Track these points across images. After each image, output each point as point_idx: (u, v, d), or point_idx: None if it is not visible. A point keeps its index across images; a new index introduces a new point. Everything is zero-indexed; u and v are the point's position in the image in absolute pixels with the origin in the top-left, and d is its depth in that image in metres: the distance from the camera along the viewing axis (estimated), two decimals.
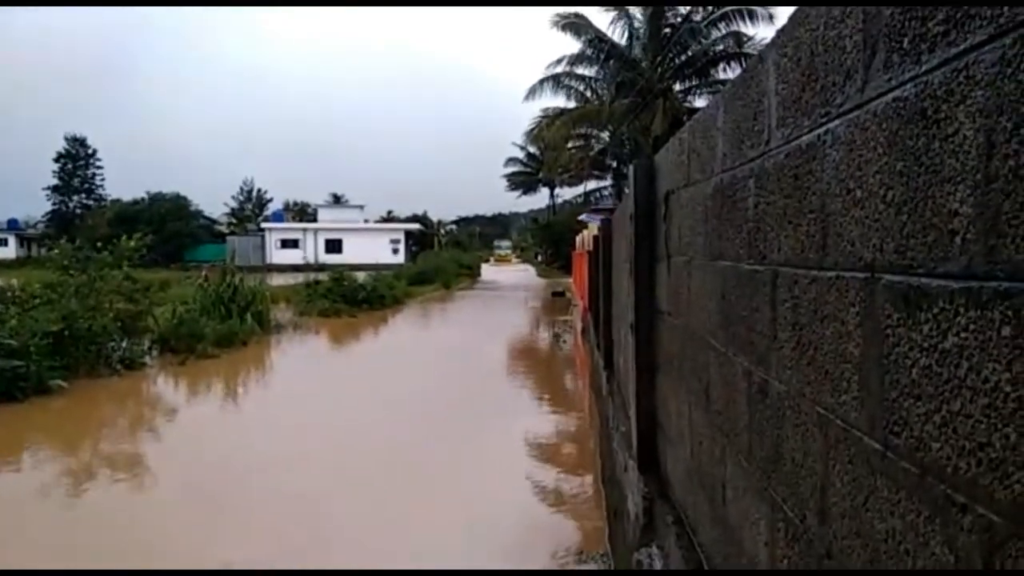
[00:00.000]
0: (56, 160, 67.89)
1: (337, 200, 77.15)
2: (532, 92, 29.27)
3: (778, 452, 1.52)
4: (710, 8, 25.56)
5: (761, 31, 24.39)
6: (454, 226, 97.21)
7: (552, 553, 5.29)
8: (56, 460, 8.26)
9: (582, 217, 29.53)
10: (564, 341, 18.21)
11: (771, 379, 1.57)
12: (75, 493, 7.10)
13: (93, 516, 6.41)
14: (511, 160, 63.42)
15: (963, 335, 0.85)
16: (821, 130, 1.27)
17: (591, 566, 5.03)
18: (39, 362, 10.65)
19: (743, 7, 24.54)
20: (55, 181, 68.05)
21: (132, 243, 14.73)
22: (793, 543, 1.43)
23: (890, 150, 1.03)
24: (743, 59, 24.04)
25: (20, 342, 10.54)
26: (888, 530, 1.03)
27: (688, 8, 26.15)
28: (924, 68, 0.93)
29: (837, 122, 1.21)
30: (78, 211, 67.10)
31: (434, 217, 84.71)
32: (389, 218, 76.23)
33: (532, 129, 33.59)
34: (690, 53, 26.70)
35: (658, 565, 2.75)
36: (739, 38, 25.31)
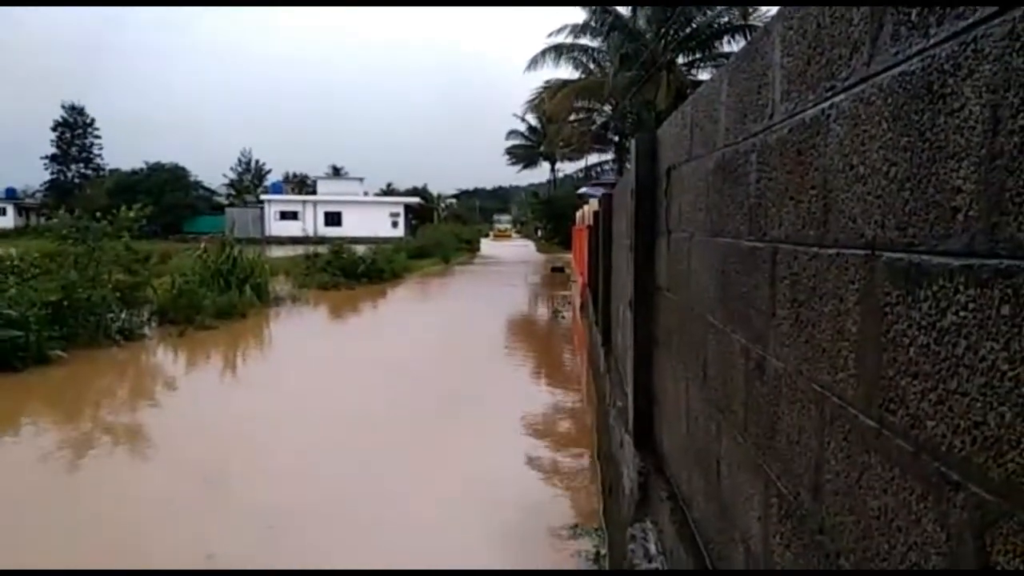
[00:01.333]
0: (54, 129, 67.53)
1: (337, 172, 76.82)
2: (534, 62, 28.99)
3: (773, 429, 1.53)
4: None
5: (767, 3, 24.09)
6: (454, 200, 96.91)
7: (546, 527, 5.34)
8: (55, 429, 8.31)
9: (582, 190, 29.38)
10: (563, 317, 18.24)
11: (768, 356, 1.57)
12: (74, 461, 7.15)
13: (92, 484, 6.46)
14: (512, 133, 63.08)
15: (962, 313, 0.84)
16: (826, 104, 1.26)
17: (585, 540, 5.08)
18: (38, 332, 10.68)
19: None
20: (53, 150, 67.78)
21: (132, 214, 14.66)
22: (786, 519, 1.44)
23: (895, 125, 1.01)
24: (748, 31, 23.78)
25: (19, 312, 10.55)
26: (881, 507, 1.04)
27: None
28: (932, 41, 0.91)
29: (842, 96, 1.19)
30: (76, 181, 66.83)
31: (434, 190, 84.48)
32: (389, 191, 75.95)
33: (533, 100, 33.31)
34: (695, 25, 26.40)
35: (652, 539, 2.77)
36: (745, 10, 25.00)
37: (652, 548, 2.71)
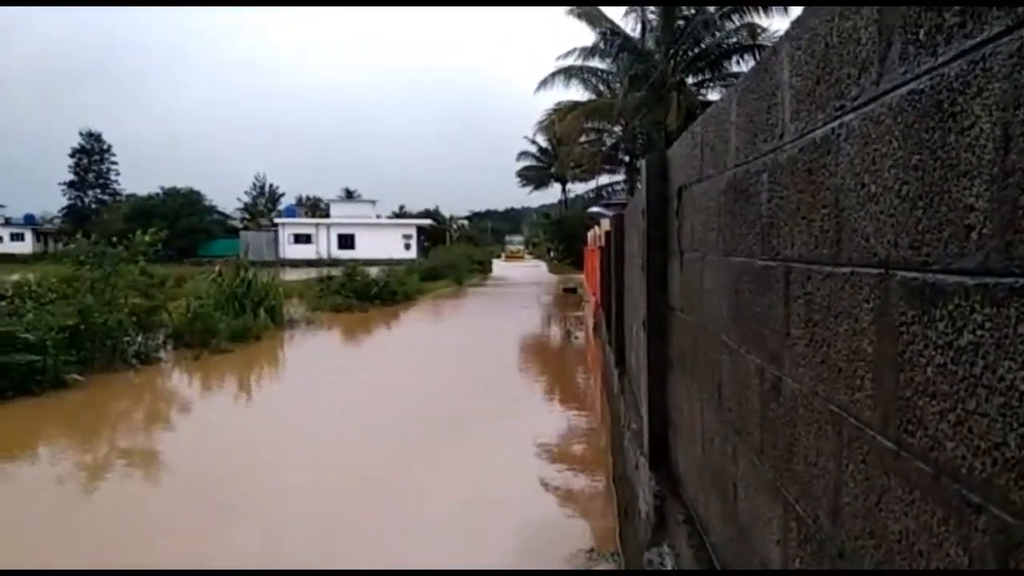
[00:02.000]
0: (72, 155, 68.66)
1: (350, 195, 77.42)
2: (544, 84, 29.15)
3: (791, 450, 1.51)
4: None
5: (776, 23, 24.18)
6: (466, 221, 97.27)
7: (563, 552, 5.28)
8: (72, 453, 8.34)
9: (593, 210, 29.37)
10: (576, 337, 18.18)
11: (784, 376, 1.56)
12: (90, 485, 7.17)
13: (107, 507, 6.47)
14: (523, 154, 63.27)
15: (979, 332, 0.83)
16: (835, 123, 1.25)
17: (603, 565, 5.02)
18: (55, 356, 10.77)
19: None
20: (71, 176, 68.83)
21: (147, 238, 14.80)
22: (805, 543, 1.42)
23: (905, 144, 1.01)
24: (757, 51, 23.84)
25: (37, 336, 10.65)
26: (902, 530, 1.02)
27: None
28: (940, 60, 0.91)
29: (852, 115, 1.19)
30: (93, 206, 67.75)
31: (446, 212, 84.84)
32: (401, 213, 76.37)
33: (544, 122, 33.47)
34: (704, 46, 26.49)
35: (669, 564, 2.73)
36: (753, 30, 25.08)
37: (679, 570, 2.67)
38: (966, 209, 0.86)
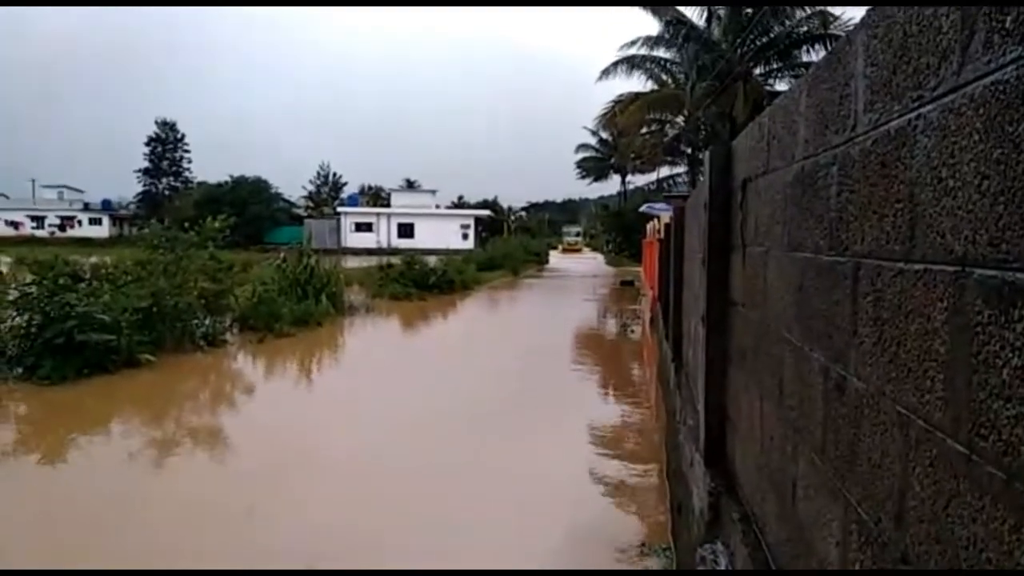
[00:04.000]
0: (147, 144, 71.47)
1: (410, 185, 78.31)
2: (606, 73, 28.84)
3: (854, 451, 1.47)
4: None
5: (849, 11, 23.33)
6: (524, 212, 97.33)
7: (614, 545, 5.27)
8: (145, 429, 8.73)
9: (643, 208, 28.93)
10: (632, 331, 18.04)
11: (849, 375, 1.52)
12: (160, 460, 7.50)
13: (177, 482, 6.75)
14: (582, 146, 62.85)
15: None
16: (912, 115, 1.21)
17: (653, 560, 4.99)
18: (129, 336, 11.24)
19: None
20: (146, 164, 71.67)
21: (216, 224, 15.29)
22: (866, 546, 1.39)
23: (987, 137, 0.97)
24: (828, 41, 23.06)
25: (112, 317, 11.13)
26: (970, 537, 0.98)
27: None
28: None
29: (930, 107, 1.15)
30: (166, 192, 70.45)
31: (504, 203, 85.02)
32: (460, 203, 76.90)
33: (604, 114, 33.15)
34: (772, 35, 25.78)
35: (723, 562, 2.70)
36: (825, 18, 24.26)
37: (723, 570, 2.64)
38: None
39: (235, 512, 5.86)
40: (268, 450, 7.61)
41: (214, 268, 14.99)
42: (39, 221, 69.25)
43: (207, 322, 14.01)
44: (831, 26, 23.88)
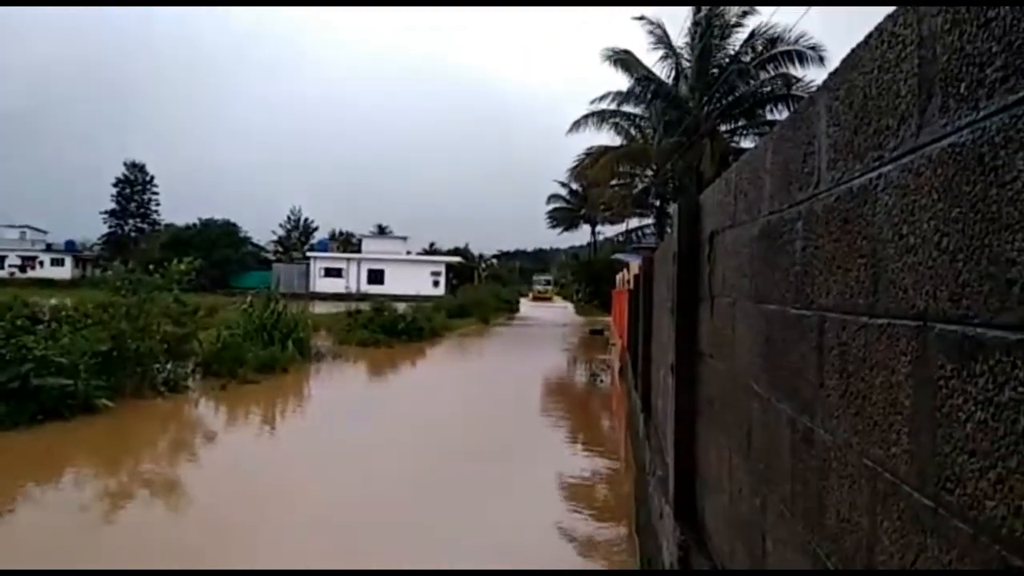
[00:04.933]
0: (115, 185, 70.78)
1: (381, 231, 78.43)
2: (577, 126, 29.51)
3: (822, 504, 1.47)
4: (759, 49, 25.55)
5: (811, 73, 24.28)
6: (495, 260, 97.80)
7: None
8: (98, 479, 8.42)
9: (617, 256, 29.35)
10: (601, 380, 18.04)
11: (816, 428, 1.53)
12: (111, 512, 7.21)
13: (125, 534, 6.49)
14: (553, 197, 63.73)
15: (1021, 389, 0.82)
16: (873, 174, 1.25)
17: None
18: (87, 381, 10.90)
19: (793, 48, 24.49)
20: (113, 205, 70.79)
21: (183, 266, 15.07)
22: None
23: (945, 196, 1.01)
24: (792, 101, 23.92)
25: (70, 360, 10.82)
26: None
27: (737, 49, 26.18)
28: (982, 114, 0.91)
29: (890, 166, 1.19)
30: (133, 234, 69.54)
31: (476, 250, 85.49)
32: (431, 250, 77.12)
33: (575, 166, 33.75)
34: (738, 94, 26.68)
35: None
36: (788, 80, 25.22)
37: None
38: (1008, 263, 0.85)
39: (183, 563, 5.63)
40: (225, 502, 7.36)
41: (178, 311, 14.73)
42: None
43: (169, 367, 13.67)
44: (794, 87, 24.82)
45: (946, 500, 0.98)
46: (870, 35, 1.29)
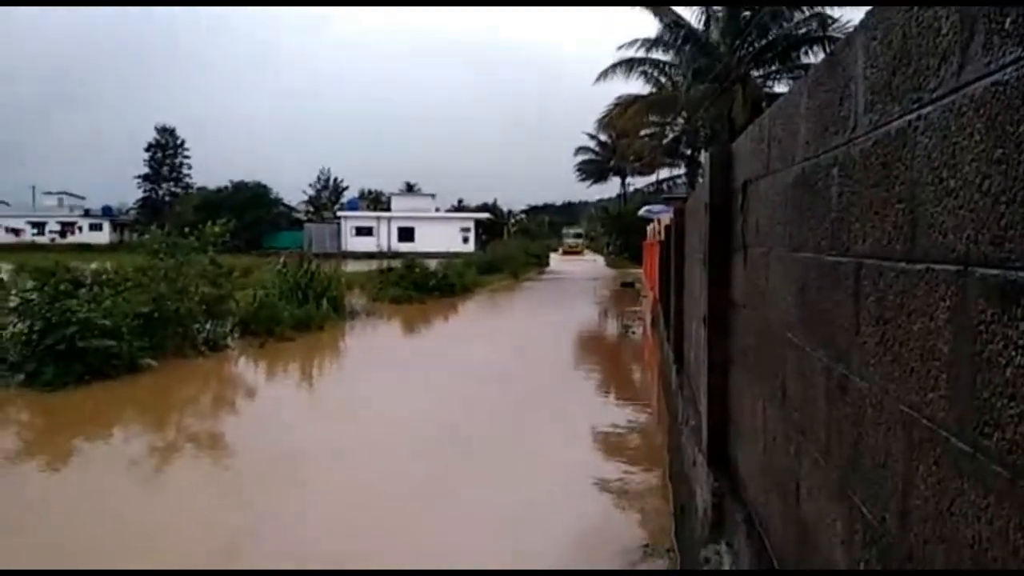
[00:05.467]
0: (147, 150, 71.46)
1: (410, 189, 78.35)
2: (604, 75, 28.83)
3: (857, 451, 1.47)
4: None
5: (848, 13, 23.37)
6: (523, 215, 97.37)
7: (616, 546, 5.27)
8: (147, 435, 8.74)
9: (642, 212, 28.95)
10: (633, 332, 18.04)
11: (852, 375, 1.52)
12: (161, 466, 7.50)
13: (176, 488, 6.76)
14: (581, 149, 62.94)
15: None
16: (912, 116, 1.22)
17: (657, 561, 4.99)
18: (130, 342, 11.25)
19: None
20: (146, 170, 71.67)
21: (216, 229, 15.29)
22: (871, 545, 1.39)
23: (988, 137, 0.98)
24: (827, 43, 23.09)
25: (113, 323, 11.14)
26: (975, 535, 0.99)
27: None
28: None
29: (930, 108, 1.15)
30: (167, 198, 70.44)
31: (504, 206, 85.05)
32: (460, 207, 76.93)
33: (604, 116, 33.17)
34: (771, 37, 25.80)
35: (727, 562, 2.70)
36: (823, 20, 24.30)
37: (727, 570, 2.64)
38: None
39: (230, 520, 5.85)
40: (267, 458, 7.60)
41: (215, 273, 14.99)
42: (40, 228, 69.34)
43: (208, 327, 14.01)
44: (829, 28, 23.92)
45: (984, 445, 0.97)
46: None
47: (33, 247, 51.37)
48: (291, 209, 71.36)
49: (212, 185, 65.90)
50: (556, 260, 57.17)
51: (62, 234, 68.06)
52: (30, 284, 11.94)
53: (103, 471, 7.20)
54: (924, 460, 1.16)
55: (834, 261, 1.65)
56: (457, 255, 39.17)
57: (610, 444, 8.26)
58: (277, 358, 13.59)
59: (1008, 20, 0.92)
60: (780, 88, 25.16)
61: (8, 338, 11.06)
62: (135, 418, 9.59)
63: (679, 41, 27.17)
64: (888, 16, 1.34)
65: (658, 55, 28.42)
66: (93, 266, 14.66)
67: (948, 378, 1.09)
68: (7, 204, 73.50)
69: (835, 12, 23.87)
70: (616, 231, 52.86)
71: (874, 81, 1.41)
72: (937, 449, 1.11)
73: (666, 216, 13.22)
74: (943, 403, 1.10)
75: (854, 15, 22.55)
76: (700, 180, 4.80)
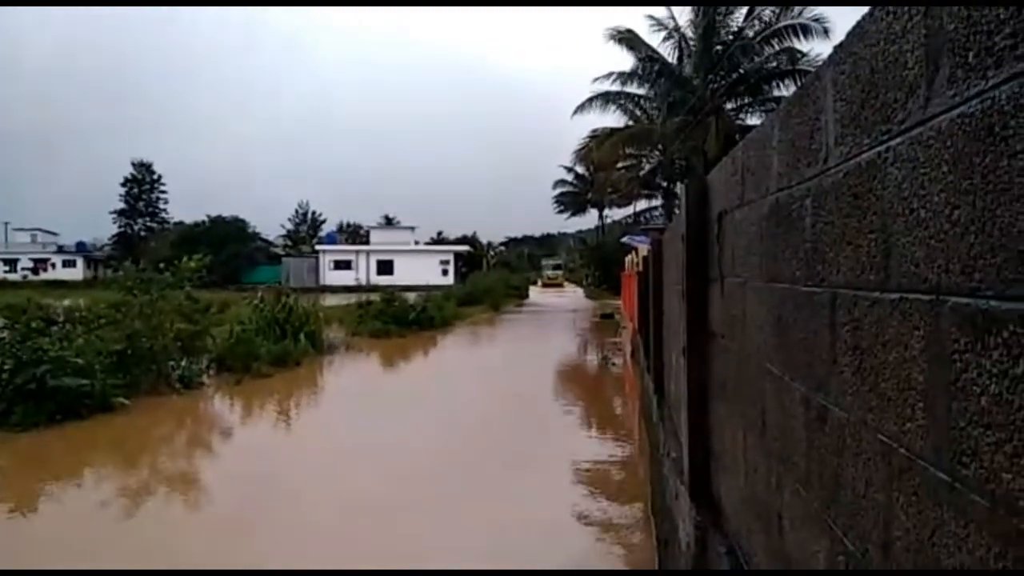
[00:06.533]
0: (123, 184, 70.97)
1: (389, 222, 78.43)
2: (581, 108, 29.32)
3: (838, 481, 1.47)
4: (763, 24, 25.30)
5: (816, 47, 24.04)
6: (503, 247, 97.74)
7: None
8: (117, 477, 8.52)
9: (625, 239, 29.23)
10: (613, 364, 18.04)
11: (830, 405, 1.52)
12: (131, 509, 7.30)
13: (143, 530, 6.57)
14: (559, 182, 63.49)
15: None
16: (882, 148, 1.24)
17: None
18: (103, 380, 11.02)
19: (796, 21, 24.23)
20: (121, 205, 71.07)
21: (192, 264, 15.15)
22: None
23: (955, 168, 0.99)
24: (797, 76, 23.70)
25: (86, 360, 10.92)
26: (956, 566, 0.98)
27: (740, 25, 25.92)
28: (990, 83, 0.90)
29: (899, 139, 1.17)
30: (143, 233, 69.81)
31: (483, 238, 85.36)
32: (439, 239, 77.07)
33: (581, 149, 33.60)
34: (742, 70, 26.44)
35: None
36: (793, 55, 24.97)
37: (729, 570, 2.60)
38: (1020, 234, 0.84)
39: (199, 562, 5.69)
40: (242, 499, 7.43)
41: (190, 308, 14.81)
42: (12, 264, 68.32)
43: (183, 364, 13.78)
44: (799, 62, 24.55)
45: (962, 474, 0.97)
46: (875, 6, 1.27)
47: (5, 284, 50.48)
48: (269, 243, 71.03)
49: (189, 220, 65.52)
50: (536, 292, 57.16)
51: (35, 271, 67.04)
52: (1, 322, 11.70)
53: (72, 515, 7.00)
54: (904, 490, 1.16)
55: (809, 291, 1.66)
56: (437, 288, 39.10)
57: (592, 478, 8.19)
58: (253, 396, 13.37)
59: (971, 54, 0.95)
60: (753, 120, 25.68)
61: None
62: (105, 460, 9.35)
63: (653, 75, 27.71)
64: (856, 50, 1.37)
65: (633, 88, 28.96)
66: (66, 303, 14.45)
67: (924, 407, 1.09)
68: None
69: (804, 46, 24.55)
70: (595, 263, 53.19)
71: (844, 114, 1.43)
72: (916, 479, 1.11)
73: (644, 246, 13.33)
74: (920, 432, 1.10)
75: (823, 48, 23.16)
76: (676, 211, 4.85)
